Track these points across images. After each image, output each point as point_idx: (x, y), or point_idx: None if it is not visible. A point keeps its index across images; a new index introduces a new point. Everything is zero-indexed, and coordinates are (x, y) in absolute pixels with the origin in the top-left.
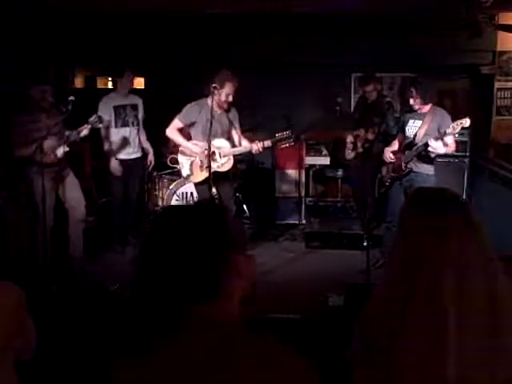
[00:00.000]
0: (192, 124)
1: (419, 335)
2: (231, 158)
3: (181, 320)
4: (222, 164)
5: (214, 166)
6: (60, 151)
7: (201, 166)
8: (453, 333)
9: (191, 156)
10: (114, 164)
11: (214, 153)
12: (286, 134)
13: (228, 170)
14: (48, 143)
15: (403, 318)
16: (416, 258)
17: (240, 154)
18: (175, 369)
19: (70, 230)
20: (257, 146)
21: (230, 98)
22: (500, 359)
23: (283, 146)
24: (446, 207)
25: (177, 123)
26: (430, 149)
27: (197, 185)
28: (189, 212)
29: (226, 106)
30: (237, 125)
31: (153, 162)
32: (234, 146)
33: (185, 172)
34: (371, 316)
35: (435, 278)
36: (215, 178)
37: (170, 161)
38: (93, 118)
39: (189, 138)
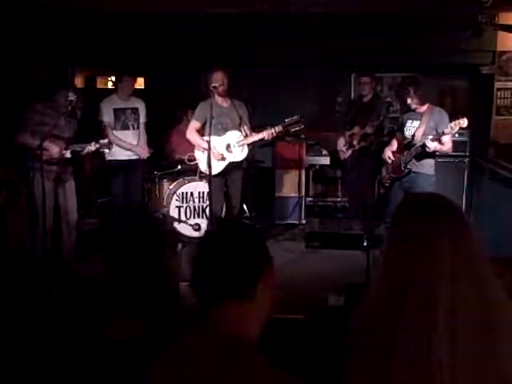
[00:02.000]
0: (205, 122)
1: (411, 342)
2: (245, 147)
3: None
4: (238, 154)
5: (231, 157)
6: (61, 154)
7: (217, 158)
8: (444, 340)
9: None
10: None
11: (228, 145)
12: (295, 118)
13: (244, 159)
14: (53, 144)
15: (397, 325)
16: (407, 265)
17: (253, 143)
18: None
19: (64, 234)
20: (269, 133)
21: (224, 85)
22: (494, 366)
23: (294, 130)
24: (437, 213)
25: (194, 124)
26: (427, 150)
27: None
28: (239, 231)
29: (222, 93)
30: (246, 121)
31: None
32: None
33: (202, 167)
34: (365, 322)
35: (427, 285)
36: (229, 170)
37: (188, 159)
38: (104, 142)
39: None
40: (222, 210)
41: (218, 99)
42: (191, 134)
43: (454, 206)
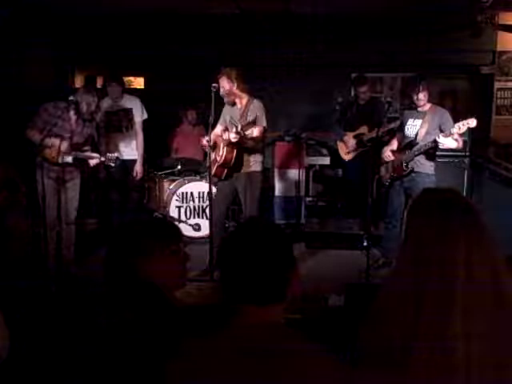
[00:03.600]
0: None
1: (430, 338)
2: (233, 148)
3: (238, 318)
4: (223, 155)
5: (220, 160)
6: (64, 158)
7: (214, 159)
8: (461, 335)
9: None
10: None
11: (226, 128)
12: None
13: (234, 162)
14: (56, 143)
15: (415, 322)
16: (424, 262)
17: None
18: (228, 359)
19: (61, 233)
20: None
21: (222, 91)
22: (508, 360)
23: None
24: (453, 210)
25: (218, 128)
26: (439, 145)
27: (217, 182)
28: (271, 234)
29: (227, 98)
30: (261, 121)
31: (139, 172)
32: None
33: (213, 170)
34: (381, 318)
35: (443, 286)
36: (240, 177)
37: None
38: (110, 157)
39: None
40: (224, 216)
41: (231, 99)
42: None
43: (469, 204)
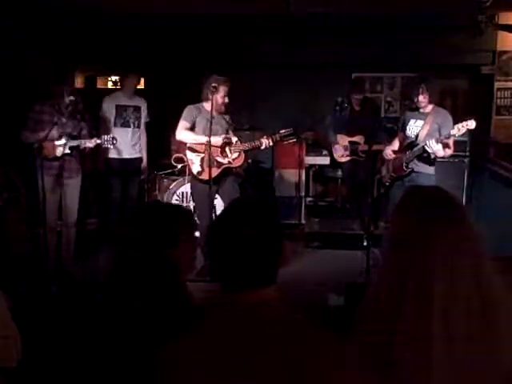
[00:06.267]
0: (193, 125)
1: (409, 338)
2: (242, 153)
3: (232, 303)
4: (234, 159)
5: (225, 162)
6: (60, 150)
7: (212, 162)
8: (439, 335)
9: (201, 152)
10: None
11: (224, 149)
12: (289, 130)
13: (240, 166)
14: (51, 140)
15: (396, 321)
16: (405, 264)
17: (249, 150)
18: (226, 346)
19: (62, 233)
20: (267, 141)
21: (226, 100)
22: (491, 361)
23: (286, 143)
24: (437, 209)
25: (184, 124)
26: (428, 150)
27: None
28: (250, 208)
29: (223, 108)
30: (231, 131)
31: (144, 171)
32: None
33: (195, 169)
34: (366, 318)
35: (424, 285)
36: (222, 175)
37: (174, 160)
38: (107, 138)
39: None
40: (211, 220)
41: (208, 106)
42: (182, 132)
43: (455, 202)
